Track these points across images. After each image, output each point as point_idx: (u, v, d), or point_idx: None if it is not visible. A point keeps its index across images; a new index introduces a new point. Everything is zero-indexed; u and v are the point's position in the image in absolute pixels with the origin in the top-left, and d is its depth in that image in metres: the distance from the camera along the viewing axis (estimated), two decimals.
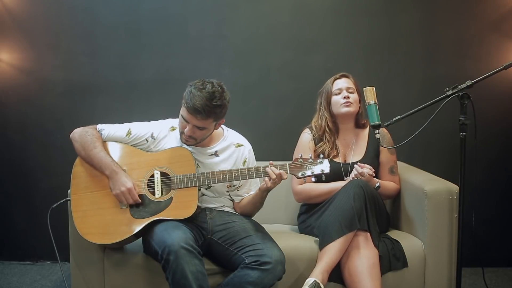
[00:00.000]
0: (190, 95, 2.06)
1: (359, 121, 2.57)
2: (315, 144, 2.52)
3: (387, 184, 2.48)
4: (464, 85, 2.05)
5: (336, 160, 2.49)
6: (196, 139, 2.17)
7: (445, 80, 2.97)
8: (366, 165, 2.35)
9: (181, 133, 2.17)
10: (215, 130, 2.30)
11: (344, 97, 2.47)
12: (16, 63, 3.13)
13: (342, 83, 2.52)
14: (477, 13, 3.14)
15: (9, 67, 3.13)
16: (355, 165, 2.36)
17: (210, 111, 2.07)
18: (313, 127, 2.56)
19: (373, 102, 2.14)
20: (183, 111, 2.12)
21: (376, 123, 2.13)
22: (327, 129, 2.51)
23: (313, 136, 2.54)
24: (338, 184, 2.37)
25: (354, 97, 2.49)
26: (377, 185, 2.40)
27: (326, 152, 2.46)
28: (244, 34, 3.15)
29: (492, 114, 3.12)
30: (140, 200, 2.13)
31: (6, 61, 3.13)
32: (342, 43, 3.16)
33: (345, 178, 2.45)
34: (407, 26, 3.15)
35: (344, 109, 2.47)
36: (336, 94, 2.50)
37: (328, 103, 2.53)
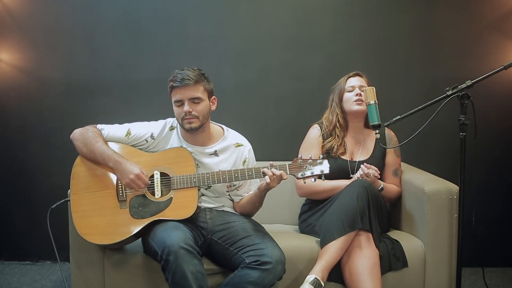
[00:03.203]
0: (172, 79, 2.19)
1: (368, 121, 2.57)
2: (324, 140, 2.53)
3: (390, 187, 2.48)
4: (464, 85, 2.04)
5: (343, 157, 2.50)
6: (198, 116, 2.17)
7: (445, 80, 2.96)
8: (372, 166, 2.35)
9: (182, 118, 2.18)
10: (215, 129, 2.32)
11: (356, 95, 2.48)
12: (16, 63, 3.13)
13: (355, 81, 2.53)
14: (477, 13, 3.13)
15: (9, 67, 3.13)
16: (362, 165, 2.37)
17: (196, 76, 2.16)
18: (324, 123, 2.57)
19: (373, 102, 2.14)
20: (173, 95, 2.20)
21: (376, 123, 2.13)
22: (337, 125, 2.53)
23: (322, 131, 2.54)
24: (342, 182, 2.38)
25: None
26: (381, 187, 2.41)
27: (335, 147, 2.47)
28: (244, 34, 3.15)
29: (492, 114, 3.12)
30: (150, 182, 2.13)
31: (6, 61, 3.13)
32: (342, 43, 3.16)
33: (351, 176, 2.45)
34: (407, 26, 3.15)
35: (356, 107, 2.48)
36: (349, 92, 2.52)
37: (340, 99, 2.54)
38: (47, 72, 3.13)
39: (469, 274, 2.96)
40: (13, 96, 3.15)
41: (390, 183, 2.50)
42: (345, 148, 2.52)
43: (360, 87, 2.50)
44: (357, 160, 2.49)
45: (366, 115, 2.55)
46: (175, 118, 2.28)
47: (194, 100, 2.16)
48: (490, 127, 3.10)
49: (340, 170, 2.44)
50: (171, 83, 2.19)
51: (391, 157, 2.53)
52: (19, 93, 3.15)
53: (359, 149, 2.54)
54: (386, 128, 2.48)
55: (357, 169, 2.42)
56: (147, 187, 2.15)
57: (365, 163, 2.39)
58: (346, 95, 2.52)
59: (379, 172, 2.37)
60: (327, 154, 2.47)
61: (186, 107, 2.15)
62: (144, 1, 3.13)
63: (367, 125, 2.58)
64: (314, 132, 2.56)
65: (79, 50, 3.14)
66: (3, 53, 3.12)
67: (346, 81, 2.55)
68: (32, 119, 3.16)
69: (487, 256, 3.08)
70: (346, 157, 2.51)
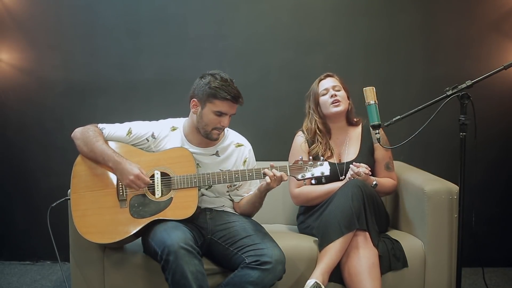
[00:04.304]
0: (222, 87, 2.13)
1: (350, 118, 2.56)
2: (309, 146, 2.52)
3: (384, 181, 2.47)
4: (464, 85, 2.04)
5: (331, 160, 2.48)
6: (225, 128, 2.23)
7: (445, 80, 2.97)
8: (362, 164, 2.33)
9: (215, 128, 2.18)
10: None
11: (332, 96, 2.47)
12: (16, 63, 3.13)
13: (328, 83, 2.52)
14: (477, 13, 3.14)
15: (9, 67, 3.13)
16: (351, 165, 2.34)
17: (240, 92, 2.17)
18: (305, 131, 2.56)
19: (373, 102, 2.13)
20: (219, 106, 2.14)
21: (376, 123, 2.12)
22: (318, 131, 2.51)
23: (306, 138, 2.54)
24: (335, 185, 2.37)
25: (341, 94, 2.49)
26: (374, 183, 2.38)
27: (320, 153, 2.46)
28: (244, 34, 3.15)
29: (492, 114, 3.11)
30: (151, 182, 2.13)
31: (6, 61, 3.13)
32: (342, 43, 3.16)
33: (341, 178, 2.44)
34: (407, 26, 3.15)
35: (334, 109, 2.47)
36: (323, 95, 2.51)
37: (317, 104, 2.53)
38: (47, 72, 3.13)
39: (469, 274, 2.96)
40: (13, 96, 3.16)
41: (383, 177, 2.49)
42: (331, 151, 2.50)
43: (334, 87, 2.50)
44: (345, 161, 2.48)
45: (347, 113, 2.54)
46: (177, 119, 2.29)
47: (232, 115, 2.20)
48: (490, 127, 3.10)
49: (330, 174, 2.41)
50: (223, 94, 2.12)
51: (380, 152, 2.51)
52: (19, 93, 3.15)
53: (345, 149, 2.53)
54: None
55: (347, 170, 2.41)
56: (148, 187, 2.15)
57: (353, 163, 2.37)
58: (322, 99, 2.51)
59: (369, 169, 2.34)
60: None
61: (227, 122, 2.18)
62: (144, 1, 3.13)
63: (349, 122, 2.57)
64: (299, 140, 2.55)
65: (79, 50, 3.14)
66: (3, 53, 3.12)
67: (318, 85, 2.54)
68: (32, 119, 3.16)
69: (487, 256, 3.08)
70: (333, 160, 2.49)
